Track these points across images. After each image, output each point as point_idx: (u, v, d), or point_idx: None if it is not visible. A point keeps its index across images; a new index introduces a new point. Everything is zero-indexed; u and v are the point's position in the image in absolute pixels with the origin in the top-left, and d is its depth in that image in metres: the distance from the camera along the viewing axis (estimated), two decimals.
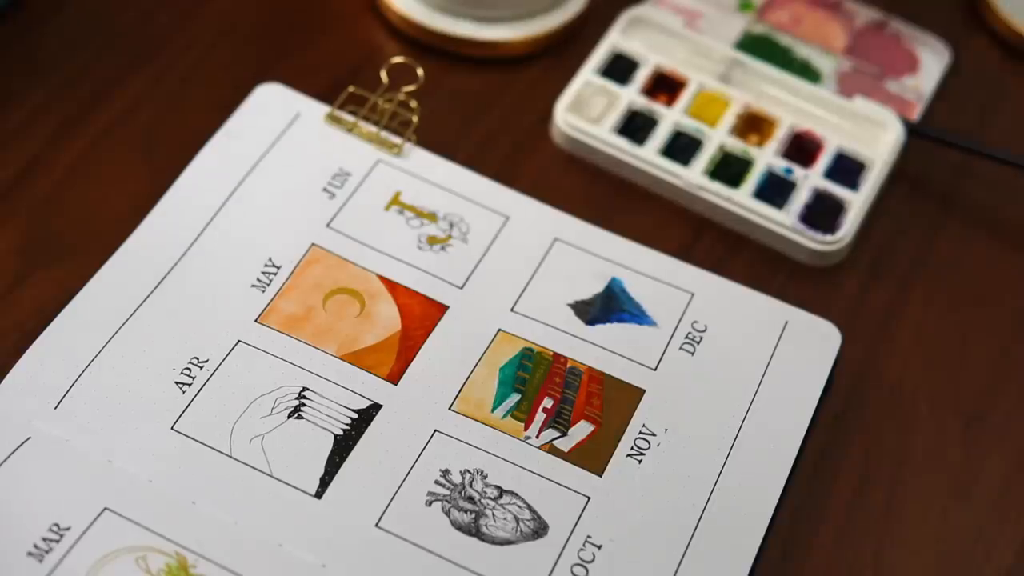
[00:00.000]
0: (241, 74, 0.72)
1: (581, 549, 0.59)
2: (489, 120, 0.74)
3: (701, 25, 0.78)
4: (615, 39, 0.76)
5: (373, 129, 0.71)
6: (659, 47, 0.77)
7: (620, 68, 0.75)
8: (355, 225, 0.67)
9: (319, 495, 0.59)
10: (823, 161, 0.73)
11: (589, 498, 0.60)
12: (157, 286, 0.64)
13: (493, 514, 0.59)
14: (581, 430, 0.62)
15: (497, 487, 0.60)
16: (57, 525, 0.56)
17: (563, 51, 0.77)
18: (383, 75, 0.72)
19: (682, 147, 0.72)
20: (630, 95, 0.74)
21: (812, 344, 0.66)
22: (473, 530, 0.59)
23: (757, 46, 0.78)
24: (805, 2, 0.81)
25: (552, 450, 0.61)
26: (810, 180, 0.72)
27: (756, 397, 0.64)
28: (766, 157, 0.73)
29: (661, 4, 0.78)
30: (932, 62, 0.78)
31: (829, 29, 0.80)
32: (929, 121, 0.76)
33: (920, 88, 0.77)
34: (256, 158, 0.69)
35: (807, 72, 0.77)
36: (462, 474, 0.60)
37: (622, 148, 0.72)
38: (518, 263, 0.67)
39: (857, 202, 0.71)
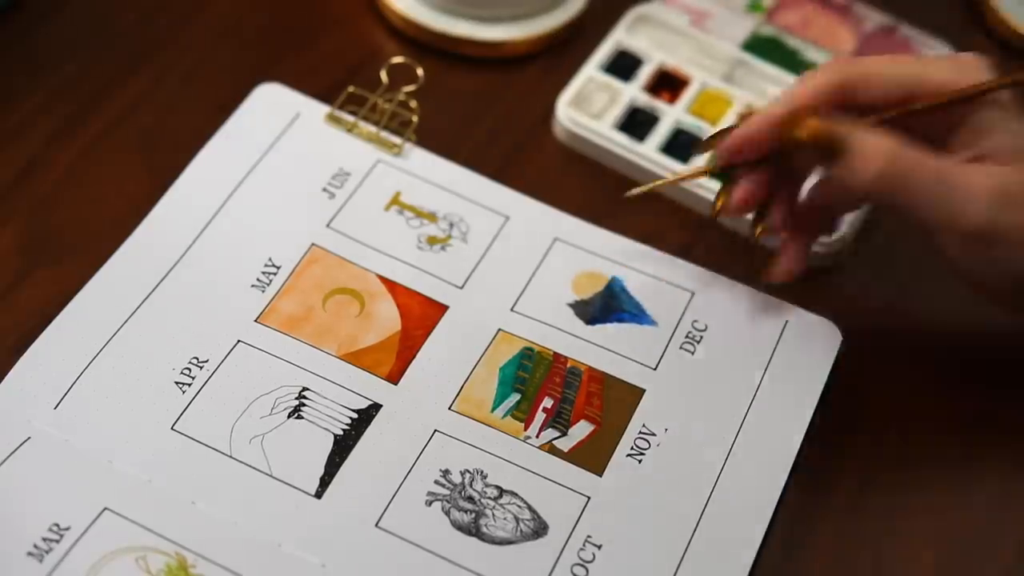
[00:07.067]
0: (241, 74, 0.72)
1: (581, 549, 0.59)
2: (489, 120, 0.74)
3: (709, 25, 0.78)
4: (620, 36, 0.76)
5: (373, 129, 0.71)
6: (664, 45, 0.77)
7: (623, 65, 0.75)
8: (355, 225, 0.67)
9: (319, 495, 0.59)
10: None
11: (589, 498, 0.60)
12: (157, 286, 0.64)
13: (493, 514, 0.59)
14: (581, 430, 0.62)
15: (497, 487, 0.60)
16: (57, 525, 0.56)
17: (563, 51, 0.77)
18: (383, 75, 0.72)
19: (682, 145, 0.72)
20: (632, 92, 0.74)
21: (812, 343, 0.66)
22: (473, 530, 0.59)
23: (765, 47, 0.78)
24: (815, 5, 0.80)
25: (552, 450, 0.61)
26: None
27: (756, 396, 0.64)
28: None
29: (669, 2, 0.78)
30: None
31: (838, 32, 0.79)
32: None
33: None
34: (256, 158, 0.69)
35: None
36: (462, 474, 0.60)
37: (622, 144, 0.72)
38: (518, 263, 0.67)
39: None
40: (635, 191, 0.67)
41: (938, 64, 0.62)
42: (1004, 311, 0.64)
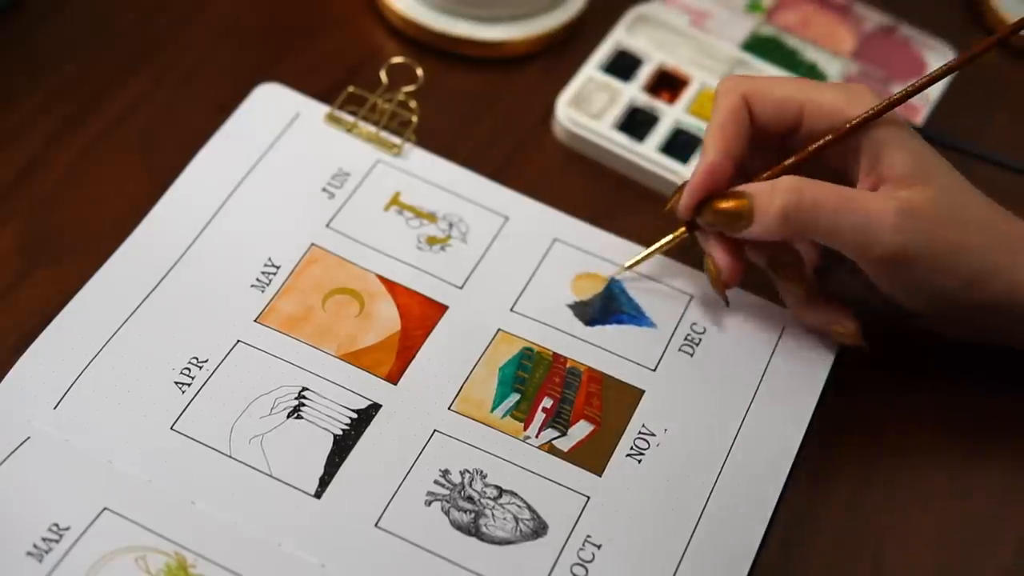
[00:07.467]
0: (241, 74, 0.72)
1: (581, 549, 0.59)
2: (489, 120, 0.74)
3: (709, 25, 0.78)
4: (619, 36, 0.76)
5: (373, 129, 0.71)
6: (664, 45, 0.77)
7: (623, 65, 0.76)
8: (354, 225, 0.67)
9: (318, 495, 0.59)
10: None
11: (589, 498, 0.60)
12: (156, 286, 0.64)
13: (492, 514, 0.59)
14: (581, 430, 0.62)
15: (496, 487, 0.60)
16: (57, 525, 0.56)
17: (563, 51, 0.77)
18: (383, 75, 0.72)
19: (682, 144, 0.73)
20: (632, 92, 0.74)
21: (811, 345, 0.66)
22: (472, 530, 0.59)
23: (764, 47, 0.78)
24: (814, 5, 0.80)
25: (552, 450, 0.61)
26: None
27: (755, 397, 0.64)
28: None
29: (669, 2, 0.78)
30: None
31: (837, 32, 0.79)
32: (932, 122, 0.76)
33: (927, 92, 0.77)
34: (256, 158, 0.69)
35: (813, 74, 0.77)
36: (461, 474, 0.60)
37: (622, 144, 0.72)
38: (517, 263, 0.67)
39: None
40: (632, 261, 0.67)
41: (827, 89, 0.62)
42: (924, 324, 0.65)
